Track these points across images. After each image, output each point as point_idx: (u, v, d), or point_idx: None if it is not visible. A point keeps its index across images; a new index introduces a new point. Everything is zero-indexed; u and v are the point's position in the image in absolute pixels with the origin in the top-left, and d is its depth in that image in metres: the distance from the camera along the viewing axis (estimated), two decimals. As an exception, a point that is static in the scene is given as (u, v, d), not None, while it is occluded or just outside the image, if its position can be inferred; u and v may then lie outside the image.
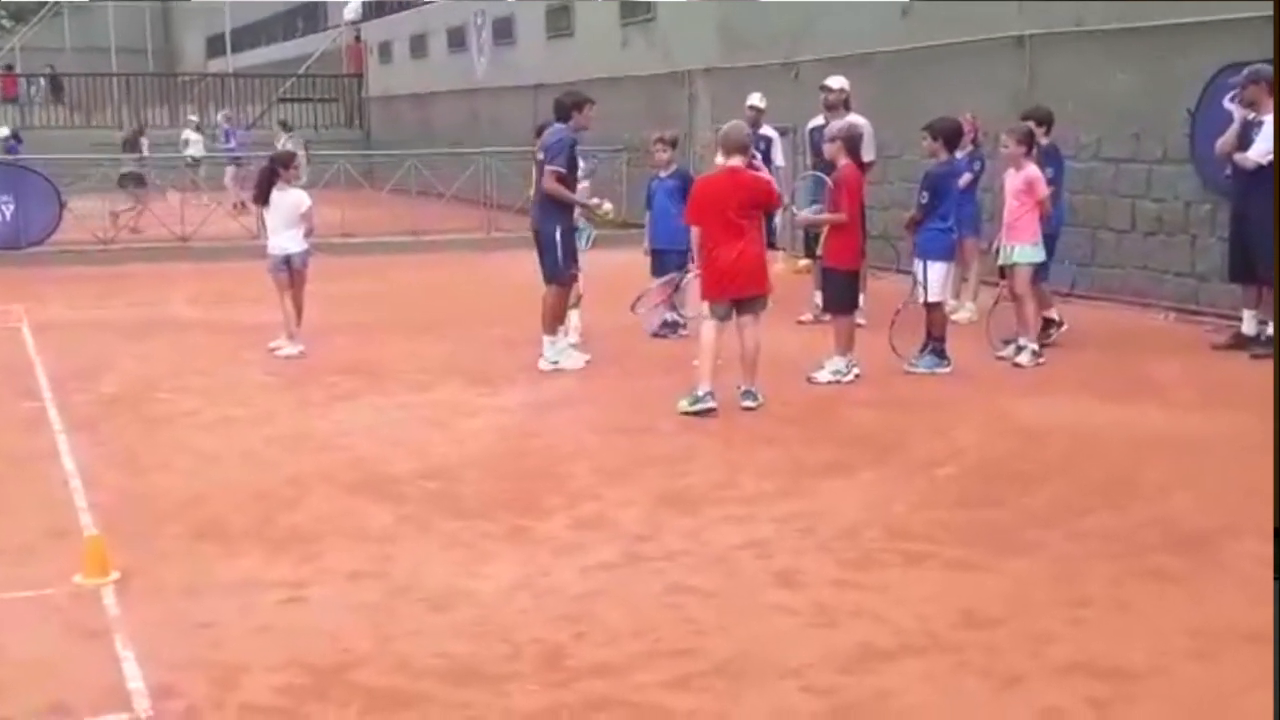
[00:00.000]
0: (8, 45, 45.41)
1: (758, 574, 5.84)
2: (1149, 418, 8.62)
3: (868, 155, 12.08)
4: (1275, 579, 4.61)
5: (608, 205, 11.20)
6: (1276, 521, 5.03)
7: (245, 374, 10.54)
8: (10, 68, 40.20)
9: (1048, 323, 10.89)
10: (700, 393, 8.82)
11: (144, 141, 25.86)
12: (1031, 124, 10.78)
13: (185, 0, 51.45)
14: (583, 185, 11.16)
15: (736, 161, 9.20)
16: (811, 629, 5.21)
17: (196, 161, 26.39)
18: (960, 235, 11.62)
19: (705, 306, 9.02)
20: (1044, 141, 10.92)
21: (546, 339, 10.38)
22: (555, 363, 10.33)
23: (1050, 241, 10.74)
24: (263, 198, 11.34)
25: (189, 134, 27.99)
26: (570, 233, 10.47)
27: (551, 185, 10.31)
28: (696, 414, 8.70)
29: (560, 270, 10.35)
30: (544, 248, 10.42)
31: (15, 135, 27.34)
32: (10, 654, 5.05)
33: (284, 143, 25.82)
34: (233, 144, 27.77)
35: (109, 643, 5.08)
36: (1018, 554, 6.04)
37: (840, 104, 12.31)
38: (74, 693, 4.70)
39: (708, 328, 8.98)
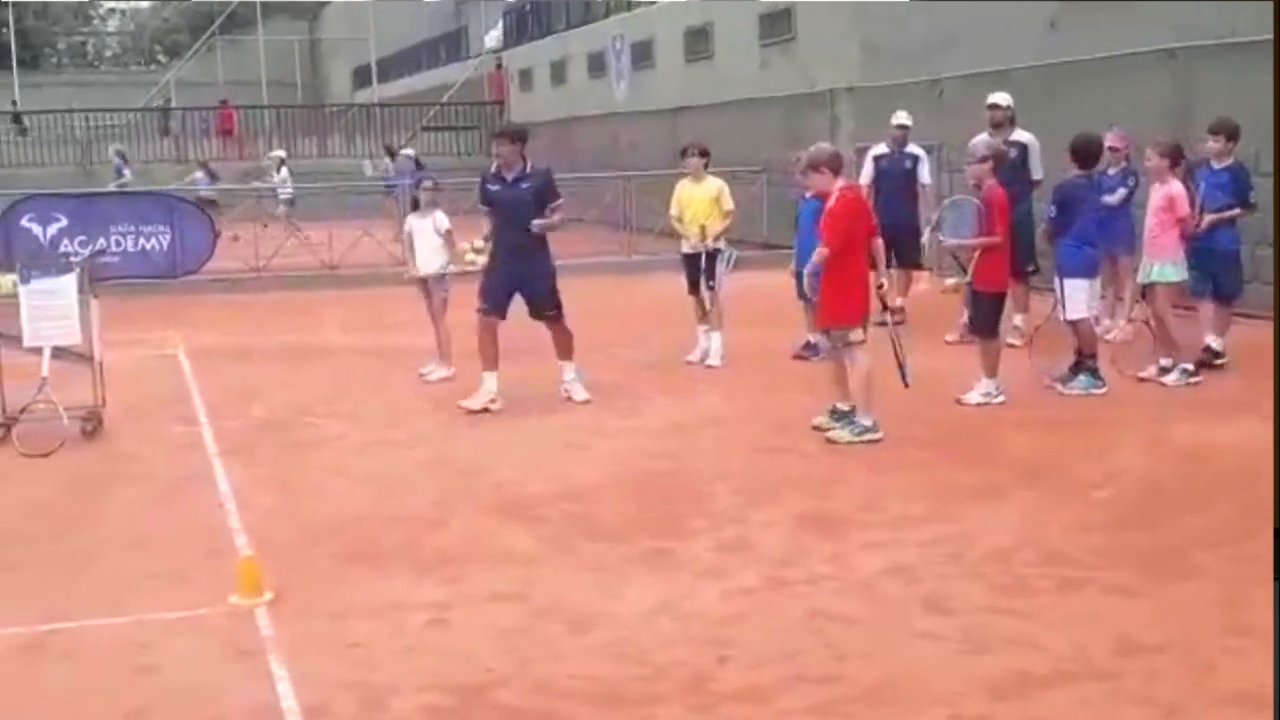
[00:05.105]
0: (163, 80, 47.05)
1: (904, 599, 5.74)
2: (1315, 438, 8.28)
3: (1036, 174, 11.88)
4: (1275, 579, 4.52)
5: (470, 249, 10.84)
6: (1277, 522, 4.95)
7: (394, 398, 10.69)
8: (224, 101, 40.79)
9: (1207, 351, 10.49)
10: (869, 422, 8.58)
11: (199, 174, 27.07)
12: (1222, 138, 10.45)
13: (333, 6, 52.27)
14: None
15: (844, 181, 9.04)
16: (961, 655, 5.09)
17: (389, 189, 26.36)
18: (1114, 253, 11.34)
19: (858, 332, 8.64)
20: (1229, 160, 10.53)
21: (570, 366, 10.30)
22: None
23: (1232, 259, 10.52)
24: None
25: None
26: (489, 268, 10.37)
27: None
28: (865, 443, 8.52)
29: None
30: None
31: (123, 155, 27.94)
32: (167, 672, 5.18)
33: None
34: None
35: (263, 662, 5.19)
36: (1177, 578, 5.85)
37: (1006, 121, 12.09)
38: (228, 711, 4.81)
39: (866, 354, 8.68)
